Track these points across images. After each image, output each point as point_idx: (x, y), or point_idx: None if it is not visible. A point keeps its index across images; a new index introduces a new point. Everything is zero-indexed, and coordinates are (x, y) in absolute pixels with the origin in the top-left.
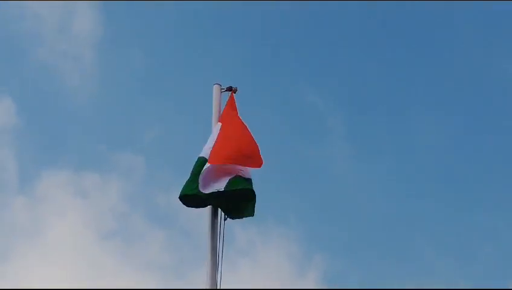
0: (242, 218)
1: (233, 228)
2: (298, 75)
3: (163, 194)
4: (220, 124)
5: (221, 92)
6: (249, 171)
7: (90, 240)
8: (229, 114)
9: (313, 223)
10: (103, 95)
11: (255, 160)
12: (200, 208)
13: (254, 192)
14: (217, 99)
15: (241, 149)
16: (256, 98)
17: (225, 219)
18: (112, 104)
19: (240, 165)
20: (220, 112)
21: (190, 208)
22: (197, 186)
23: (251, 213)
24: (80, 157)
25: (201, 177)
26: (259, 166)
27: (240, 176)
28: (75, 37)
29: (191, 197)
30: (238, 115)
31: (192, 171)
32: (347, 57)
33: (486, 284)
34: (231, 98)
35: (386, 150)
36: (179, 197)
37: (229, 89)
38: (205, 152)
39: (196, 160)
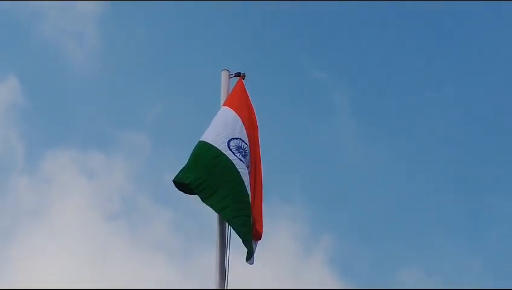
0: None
1: None
2: (304, 51)
3: (169, 173)
4: (227, 108)
5: (230, 77)
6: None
7: (96, 221)
8: (241, 103)
9: (319, 203)
10: (107, 73)
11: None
12: None
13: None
14: (225, 85)
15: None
16: (262, 76)
17: None
18: (116, 82)
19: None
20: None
21: None
22: (194, 176)
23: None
24: (84, 137)
25: None
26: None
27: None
28: (79, 14)
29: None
30: (251, 103)
31: (191, 155)
32: (354, 33)
33: (496, 267)
34: (240, 83)
35: (393, 127)
36: (173, 181)
37: (238, 74)
38: (206, 136)
39: (196, 143)
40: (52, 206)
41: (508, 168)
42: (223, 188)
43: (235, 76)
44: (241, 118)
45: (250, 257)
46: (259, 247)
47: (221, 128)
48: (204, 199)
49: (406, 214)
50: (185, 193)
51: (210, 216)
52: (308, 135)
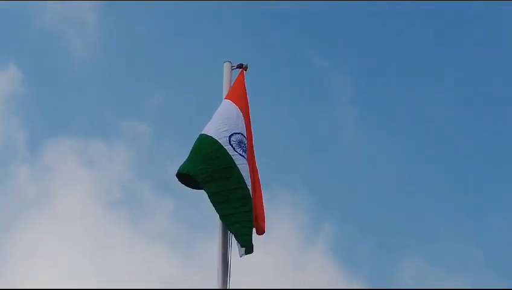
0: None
1: None
2: (305, 40)
3: (170, 163)
4: (230, 102)
5: (232, 69)
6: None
7: (97, 210)
8: (241, 95)
9: (321, 192)
10: (109, 62)
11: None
12: None
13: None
14: (227, 77)
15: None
16: (263, 65)
17: None
18: (118, 71)
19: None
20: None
21: None
22: (192, 165)
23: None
24: (85, 126)
25: None
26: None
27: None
28: (79, 2)
29: (188, 176)
30: (247, 96)
31: (192, 149)
32: (355, 22)
33: (498, 256)
34: (241, 75)
35: (394, 116)
36: (176, 175)
37: (240, 66)
38: (208, 129)
39: (198, 137)
40: (53, 196)
41: (509, 157)
42: (221, 181)
43: (237, 67)
44: (242, 112)
45: (247, 251)
46: (261, 236)
47: (222, 122)
48: (202, 183)
49: (407, 203)
50: (188, 186)
51: (212, 206)
52: (309, 123)
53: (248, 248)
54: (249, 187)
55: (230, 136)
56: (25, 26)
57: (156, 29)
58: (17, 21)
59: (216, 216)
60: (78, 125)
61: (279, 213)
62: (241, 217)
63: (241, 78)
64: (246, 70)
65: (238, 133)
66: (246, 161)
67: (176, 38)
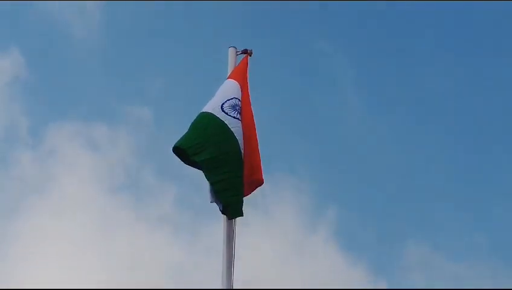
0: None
1: None
2: (307, 22)
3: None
4: (233, 81)
5: (237, 54)
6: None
7: (100, 194)
8: (242, 73)
9: (324, 175)
10: (111, 45)
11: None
12: None
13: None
14: (232, 62)
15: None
16: (265, 48)
17: None
18: (120, 55)
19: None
20: None
21: None
22: (184, 139)
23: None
24: (88, 110)
25: None
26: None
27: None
28: None
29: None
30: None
31: (191, 125)
32: (358, 5)
33: (502, 241)
34: (245, 59)
35: (397, 99)
36: (172, 149)
37: (245, 51)
38: (205, 107)
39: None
40: (56, 180)
41: None
42: (213, 148)
43: (242, 53)
44: (239, 83)
45: (235, 214)
46: (264, 219)
47: (218, 96)
48: (192, 155)
49: (411, 187)
50: (189, 164)
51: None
52: (311, 107)
53: (237, 214)
54: (242, 150)
55: (222, 104)
56: (27, 10)
57: (160, 14)
58: (18, 5)
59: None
60: (80, 109)
61: (281, 198)
62: (231, 184)
63: (245, 62)
64: (250, 56)
65: (232, 98)
66: (240, 124)
67: (180, 22)
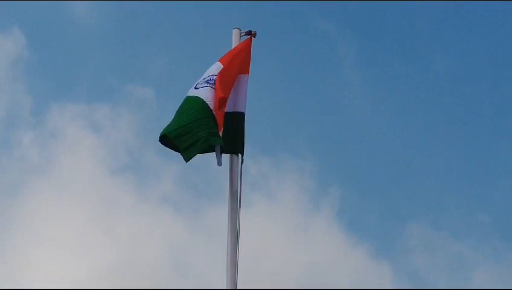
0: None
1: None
2: (309, 3)
3: None
4: (218, 63)
5: (241, 36)
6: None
7: (102, 175)
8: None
9: (326, 156)
10: (113, 25)
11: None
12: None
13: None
14: (236, 43)
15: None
16: (267, 29)
17: (242, 162)
18: (122, 35)
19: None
20: None
21: None
22: (175, 129)
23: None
24: (90, 90)
25: None
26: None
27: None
28: None
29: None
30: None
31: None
32: None
33: (504, 220)
34: (246, 41)
35: (399, 80)
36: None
37: (249, 33)
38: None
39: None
40: (58, 161)
41: None
42: (180, 117)
43: (246, 34)
44: (222, 63)
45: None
46: (266, 201)
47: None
48: (165, 132)
49: (413, 167)
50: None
51: (218, 172)
52: (314, 87)
53: (218, 142)
54: (210, 106)
55: (197, 84)
56: None
57: None
58: None
59: (223, 182)
60: (82, 90)
61: (285, 178)
62: (199, 136)
63: (246, 43)
64: (254, 37)
65: (207, 77)
66: (209, 85)
67: (185, 3)
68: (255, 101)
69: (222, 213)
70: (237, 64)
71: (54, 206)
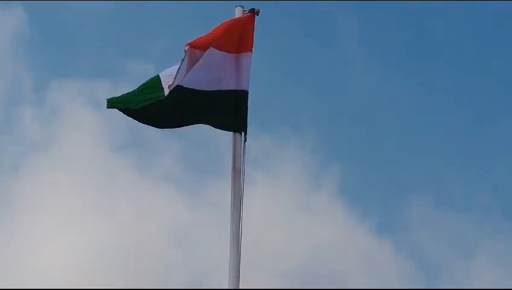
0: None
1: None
2: None
3: None
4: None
5: (244, 14)
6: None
7: (103, 152)
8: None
9: (327, 132)
10: (114, 2)
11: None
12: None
13: None
14: None
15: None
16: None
17: (245, 141)
18: (124, 12)
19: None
20: None
21: None
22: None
23: None
24: (91, 67)
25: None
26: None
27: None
28: None
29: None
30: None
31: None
32: None
33: (505, 196)
34: (249, 18)
35: (401, 53)
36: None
37: (252, 11)
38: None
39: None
40: (59, 138)
41: None
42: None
43: (249, 12)
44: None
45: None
46: (268, 179)
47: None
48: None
49: (415, 144)
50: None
51: (220, 149)
52: (316, 64)
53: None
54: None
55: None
56: None
57: None
58: None
59: (225, 159)
60: (83, 66)
61: (287, 155)
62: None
63: (244, 20)
64: (257, 15)
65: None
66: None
67: None
68: (256, 78)
69: (224, 190)
70: (235, 38)
71: (55, 184)
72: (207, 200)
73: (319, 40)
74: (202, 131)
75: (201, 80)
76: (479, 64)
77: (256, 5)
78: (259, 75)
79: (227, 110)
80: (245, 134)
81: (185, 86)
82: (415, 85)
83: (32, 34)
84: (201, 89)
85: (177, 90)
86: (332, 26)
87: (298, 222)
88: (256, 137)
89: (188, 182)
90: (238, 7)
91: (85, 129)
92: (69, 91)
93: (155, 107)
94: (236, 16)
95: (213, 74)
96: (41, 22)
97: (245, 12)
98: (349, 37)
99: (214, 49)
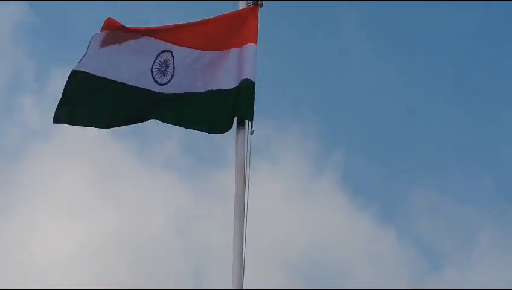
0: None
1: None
2: None
3: None
4: None
5: (248, 6)
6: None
7: (105, 140)
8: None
9: (329, 119)
10: None
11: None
12: None
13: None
14: None
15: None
16: None
17: (251, 133)
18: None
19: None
20: None
21: None
22: None
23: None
24: None
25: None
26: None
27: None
28: None
29: None
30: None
31: None
32: None
33: (508, 184)
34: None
35: (402, 39)
36: None
37: (255, 3)
38: None
39: None
40: (60, 126)
41: None
42: None
43: (252, 4)
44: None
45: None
46: (269, 166)
47: None
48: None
49: (417, 131)
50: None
51: (222, 136)
52: (316, 49)
53: None
54: None
55: None
56: None
57: None
58: None
59: (228, 147)
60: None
61: (288, 142)
62: None
63: (245, 12)
64: (261, 7)
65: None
66: None
67: None
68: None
69: (226, 179)
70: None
71: (56, 172)
72: (210, 188)
73: (319, 24)
74: None
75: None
76: (485, 51)
77: None
78: (259, 62)
79: (233, 100)
80: (251, 126)
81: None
82: (419, 72)
83: (33, 22)
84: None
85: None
86: (331, 10)
87: (299, 210)
88: (257, 124)
89: (190, 170)
90: (242, 1)
91: None
92: None
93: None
94: (240, 8)
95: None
96: (43, 9)
97: (249, 4)
98: (349, 21)
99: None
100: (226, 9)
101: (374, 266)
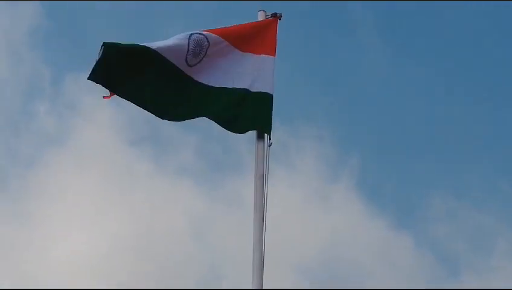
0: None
1: None
2: None
3: None
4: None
5: (266, 18)
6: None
7: (120, 146)
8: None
9: (345, 124)
10: None
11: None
12: None
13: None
14: None
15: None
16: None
17: (270, 145)
18: (140, 5)
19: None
20: None
21: None
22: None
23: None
24: None
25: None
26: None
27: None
28: None
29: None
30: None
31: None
32: None
33: None
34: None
35: (419, 44)
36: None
37: (274, 15)
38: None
39: None
40: (75, 131)
41: None
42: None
43: (271, 16)
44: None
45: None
46: (285, 171)
47: None
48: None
49: (433, 136)
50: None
51: (236, 141)
52: (331, 54)
53: None
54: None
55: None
56: None
57: None
58: None
59: (243, 153)
60: None
61: (304, 147)
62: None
63: (265, 24)
64: (280, 19)
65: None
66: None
67: None
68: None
69: (241, 185)
70: (258, 39)
71: (71, 178)
72: (225, 194)
73: (334, 28)
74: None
75: (216, 76)
76: (498, 54)
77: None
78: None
79: (250, 111)
80: (269, 139)
81: (196, 79)
82: (434, 76)
83: (49, 27)
84: (215, 86)
85: (185, 80)
86: (346, 14)
87: (315, 215)
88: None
89: (205, 176)
90: (261, 11)
91: (101, 123)
92: (86, 84)
93: (150, 91)
94: (259, 20)
95: (228, 71)
96: (58, 14)
97: (267, 16)
98: (365, 24)
99: (233, 47)
100: (245, 18)
101: (391, 271)
